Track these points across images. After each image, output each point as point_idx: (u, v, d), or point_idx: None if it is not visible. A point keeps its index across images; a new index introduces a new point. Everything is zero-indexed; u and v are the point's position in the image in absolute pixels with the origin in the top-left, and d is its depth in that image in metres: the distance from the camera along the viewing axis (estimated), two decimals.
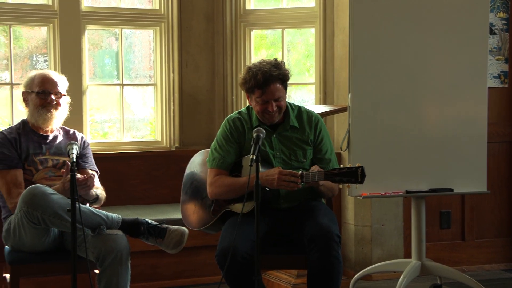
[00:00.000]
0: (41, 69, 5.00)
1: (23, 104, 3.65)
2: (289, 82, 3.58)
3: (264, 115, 3.49)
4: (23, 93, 3.63)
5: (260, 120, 3.54)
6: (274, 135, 3.54)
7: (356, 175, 3.23)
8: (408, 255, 4.82)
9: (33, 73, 3.66)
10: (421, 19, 4.03)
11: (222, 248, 3.28)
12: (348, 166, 3.29)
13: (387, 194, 4.01)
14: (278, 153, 3.52)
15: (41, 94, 3.56)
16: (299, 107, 3.65)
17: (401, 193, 4.04)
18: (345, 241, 5.03)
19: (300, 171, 3.33)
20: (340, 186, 3.42)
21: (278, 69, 3.45)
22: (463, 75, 4.08)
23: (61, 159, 3.59)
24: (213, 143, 3.62)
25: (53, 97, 3.58)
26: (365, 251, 4.97)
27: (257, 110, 3.49)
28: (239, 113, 3.63)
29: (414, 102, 4.05)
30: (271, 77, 3.41)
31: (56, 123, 3.63)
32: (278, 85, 3.44)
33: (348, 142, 3.95)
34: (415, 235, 4.13)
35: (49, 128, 3.63)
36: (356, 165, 3.25)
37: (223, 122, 3.63)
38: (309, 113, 3.63)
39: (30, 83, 3.60)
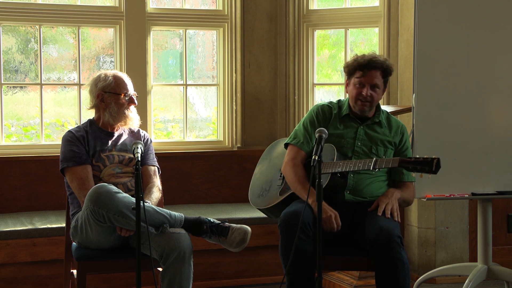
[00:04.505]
0: (110, 69, 5.11)
1: (99, 105, 3.66)
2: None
3: (357, 101, 3.57)
4: (99, 94, 3.64)
5: (351, 110, 3.62)
6: (362, 127, 3.61)
7: (431, 165, 3.22)
8: (473, 259, 4.73)
9: (106, 74, 3.69)
10: (487, 18, 3.93)
11: (287, 212, 3.36)
12: (425, 156, 3.27)
13: (452, 196, 3.94)
14: (359, 143, 3.57)
15: (126, 96, 3.65)
16: (388, 113, 3.75)
17: (466, 196, 3.96)
18: (408, 243, 4.96)
19: (374, 158, 3.38)
20: (413, 174, 3.53)
21: (384, 60, 3.59)
22: None
23: (127, 155, 3.67)
24: (298, 125, 3.72)
25: (134, 97, 3.69)
26: (428, 254, 4.89)
27: (353, 94, 3.58)
28: (330, 102, 3.73)
29: (480, 103, 3.96)
30: (376, 62, 3.55)
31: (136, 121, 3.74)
32: (379, 74, 3.56)
33: (412, 143, 3.90)
34: (481, 239, 4.04)
35: (127, 126, 3.72)
36: (433, 156, 3.23)
37: (312, 107, 3.74)
38: (397, 121, 3.73)
39: (109, 85, 3.63)
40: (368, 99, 3.55)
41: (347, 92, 3.67)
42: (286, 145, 3.70)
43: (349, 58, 5.25)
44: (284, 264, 3.34)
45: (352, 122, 3.63)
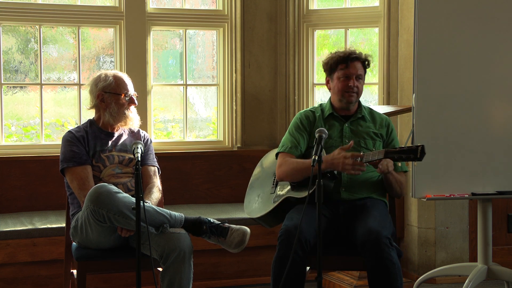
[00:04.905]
0: (110, 69, 5.11)
1: (99, 105, 3.66)
2: None
3: (344, 94, 3.60)
4: (100, 94, 3.64)
5: (334, 109, 3.65)
6: (346, 124, 3.64)
7: (415, 152, 3.24)
8: (473, 259, 4.73)
9: (107, 74, 3.69)
10: (487, 18, 3.93)
11: (288, 226, 3.31)
12: (409, 145, 3.30)
13: (452, 196, 3.94)
14: (347, 141, 3.59)
15: (127, 96, 3.65)
16: (370, 108, 3.78)
17: (466, 196, 3.95)
18: (408, 243, 4.96)
19: (361, 152, 3.40)
20: (399, 164, 3.54)
21: (364, 53, 3.65)
22: None
23: (127, 155, 3.67)
24: (284, 135, 3.73)
25: (134, 97, 3.69)
26: (428, 254, 4.89)
27: (339, 88, 3.60)
28: (311, 107, 3.79)
29: (480, 103, 3.96)
30: (356, 54, 3.61)
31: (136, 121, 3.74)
32: (360, 65, 3.61)
33: (412, 143, 3.90)
34: (481, 239, 4.04)
35: (127, 127, 3.73)
36: (417, 144, 3.27)
37: (295, 116, 3.77)
38: (381, 114, 3.77)
39: (109, 85, 3.64)
40: (355, 90, 3.59)
41: (329, 90, 3.68)
42: (277, 156, 3.70)
43: None
44: (274, 277, 3.33)
45: (336, 121, 3.65)
